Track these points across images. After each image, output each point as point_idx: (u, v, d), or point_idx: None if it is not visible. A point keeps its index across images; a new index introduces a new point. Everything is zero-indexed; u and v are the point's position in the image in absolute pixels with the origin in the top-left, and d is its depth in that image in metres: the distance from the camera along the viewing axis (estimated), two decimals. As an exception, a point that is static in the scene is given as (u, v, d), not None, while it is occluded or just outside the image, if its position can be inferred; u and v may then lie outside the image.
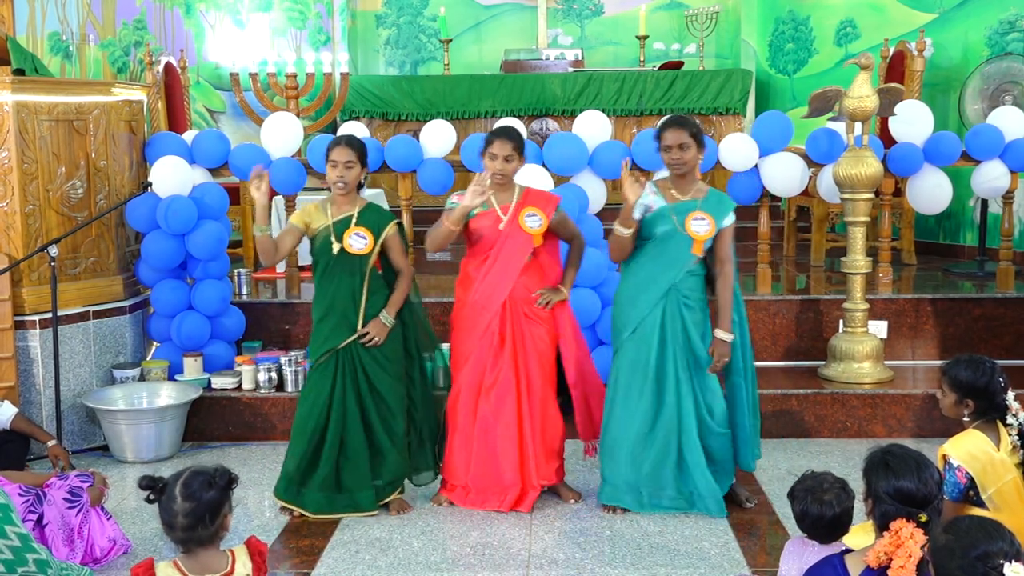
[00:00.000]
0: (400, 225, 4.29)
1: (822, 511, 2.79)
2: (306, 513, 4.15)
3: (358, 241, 4.12)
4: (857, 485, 2.67)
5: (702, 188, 4.17)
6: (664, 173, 4.31)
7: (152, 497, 2.65)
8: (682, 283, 4.11)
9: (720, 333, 4.12)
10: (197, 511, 2.58)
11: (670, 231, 4.08)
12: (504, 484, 4.19)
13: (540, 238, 4.20)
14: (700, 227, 4.06)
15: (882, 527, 2.39)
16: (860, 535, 2.91)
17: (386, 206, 7.77)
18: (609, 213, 6.53)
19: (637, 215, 4.11)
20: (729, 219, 4.14)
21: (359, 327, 4.15)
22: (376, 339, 4.15)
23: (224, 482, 2.65)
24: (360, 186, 4.25)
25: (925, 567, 2.26)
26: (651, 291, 4.09)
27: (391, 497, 4.23)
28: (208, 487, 2.61)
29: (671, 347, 4.09)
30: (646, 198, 4.13)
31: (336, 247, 4.13)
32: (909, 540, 2.29)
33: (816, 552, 2.79)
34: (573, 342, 4.30)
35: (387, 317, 4.18)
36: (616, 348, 4.22)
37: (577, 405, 4.37)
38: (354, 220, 4.16)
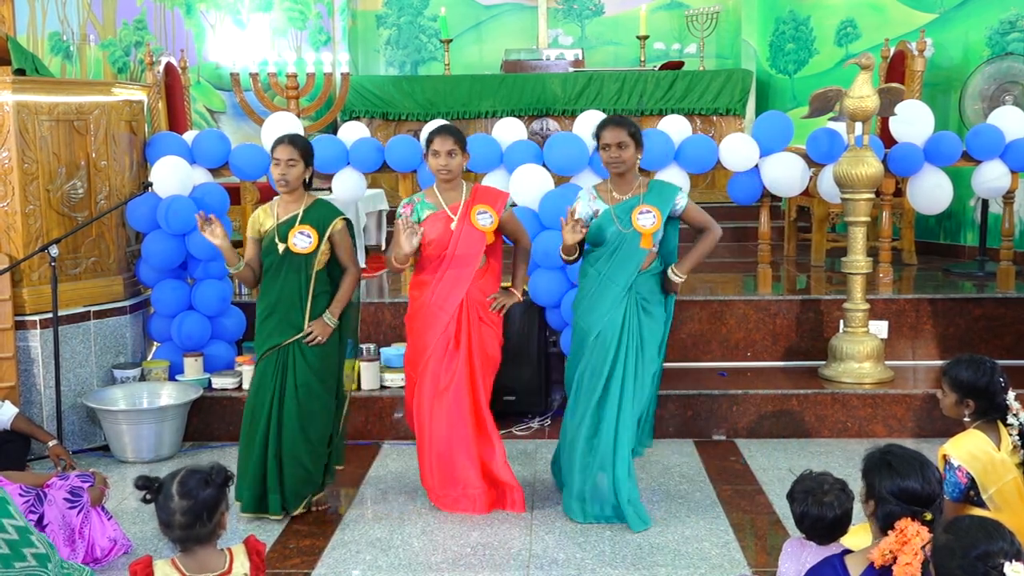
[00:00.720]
0: (348, 222, 4.24)
1: (822, 512, 2.79)
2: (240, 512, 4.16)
3: (302, 240, 4.09)
4: (857, 486, 2.67)
5: (643, 183, 4.17)
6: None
7: (148, 497, 2.65)
8: (640, 284, 4.09)
9: (672, 273, 4.12)
10: (194, 509, 2.59)
11: (616, 232, 4.06)
12: (467, 486, 4.18)
13: (492, 235, 4.19)
14: (646, 220, 4.04)
15: (885, 527, 2.39)
16: (859, 535, 2.91)
17: (385, 206, 7.80)
18: (609, 213, 6.55)
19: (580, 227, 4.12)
20: (681, 200, 4.14)
21: (304, 326, 4.11)
22: (319, 338, 4.12)
23: (221, 480, 2.65)
24: (307, 185, 4.23)
25: (926, 567, 2.26)
26: (610, 292, 4.06)
27: (299, 510, 4.19)
28: (205, 485, 2.61)
29: (624, 352, 4.05)
30: (587, 206, 4.14)
31: (281, 247, 4.10)
32: (915, 538, 2.29)
33: (814, 552, 2.79)
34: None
35: (330, 318, 4.15)
36: (576, 353, 4.18)
37: None
38: (299, 219, 4.13)
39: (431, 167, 4.16)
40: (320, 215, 4.17)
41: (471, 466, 4.17)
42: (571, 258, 4.18)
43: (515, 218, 4.35)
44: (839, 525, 2.81)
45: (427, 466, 4.24)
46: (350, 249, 4.24)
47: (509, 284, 4.32)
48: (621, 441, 4.03)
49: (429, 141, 4.16)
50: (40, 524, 3.57)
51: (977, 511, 3.09)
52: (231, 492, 2.76)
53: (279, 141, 4.14)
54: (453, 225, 4.13)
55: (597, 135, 4.11)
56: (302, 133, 5.67)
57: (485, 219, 4.14)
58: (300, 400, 4.11)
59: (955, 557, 2.07)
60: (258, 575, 2.72)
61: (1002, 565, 2.01)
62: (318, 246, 4.11)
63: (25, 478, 3.75)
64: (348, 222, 4.25)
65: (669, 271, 4.14)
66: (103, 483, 3.84)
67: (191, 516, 2.59)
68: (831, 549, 2.73)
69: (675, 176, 5.42)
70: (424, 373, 4.18)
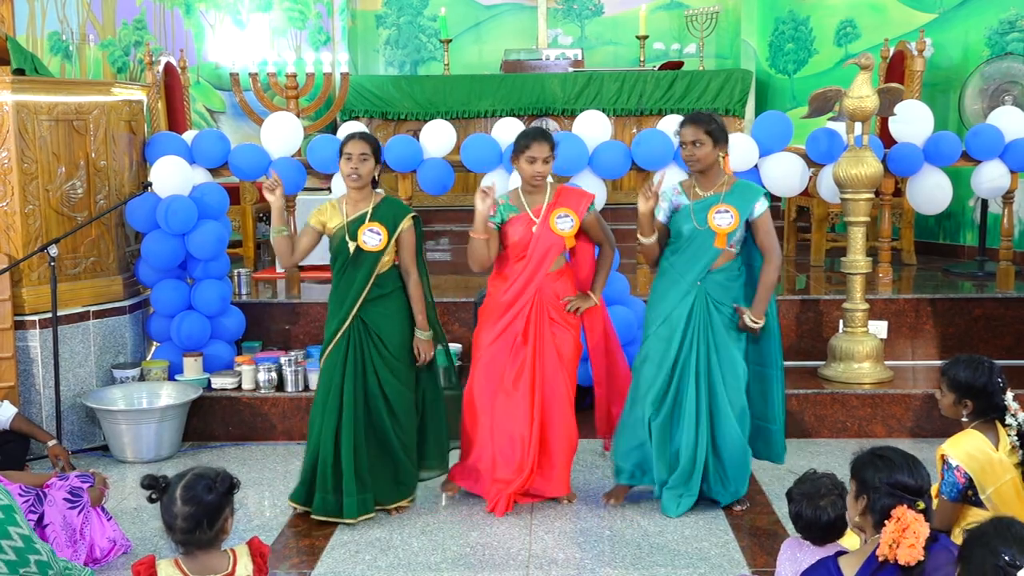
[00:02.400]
0: (416, 219, 4.22)
1: (817, 515, 2.80)
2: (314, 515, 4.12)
3: (372, 237, 4.09)
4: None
5: (728, 182, 4.16)
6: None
7: (154, 496, 2.65)
8: (711, 283, 4.09)
9: (747, 318, 4.09)
10: (196, 515, 2.58)
11: (693, 229, 4.10)
12: (507, 478, 4.18)
13: (573, 239, 4.19)
14: (722, 220, 4.05)
15: (880, 520, 2.40)
16: (855, 536, 2.90)
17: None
18: (609, 213, 6.54)
19: (662, 217, 4.18)
20: (760, 205, 4.10)
21: (351, 313, 4.10)
22: (426, 356, 4.19)
23: (225, 487, 2.64)
24: (375, 182, 4.24)
25: (928, 551, 2.30)
26: (679, 287, 4.11)
27: (393, 505, 4.21)
28: (209, 491, 2.60)
29: (694, 345, 4.09)
30: (670, 199, 4.17)
31: (352, 245, 4.11)
32: (914, 523, 2.31)
33: (811, 553, 2.80)
34: (603, 341, 4.35)
35: (423, 333, 4.19)
36: (643, 341, 4.23)
37: (599, 403, 4.43)
38: (368, 216, 4.13)
39: (525, 174, 4.14)
40: (390, 212, 4.16)
41: (516, 461, 4.16)
42: (648, 241, 4.14)
43: (598, 220, 4.30)
44: (834, 528, 2.81)
45: (475, 453, 4.24)
46: (414, 250, 4.22)
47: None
48: (703, 436, 4.07)
49: (526, 147, 4.12)
50: (40, 524, 3.58)
51: (975, 511, 3.10)
52: (236, 493, 2.74)
53: (350, 136, 4.15)
54: (535, 228, 4.15)
55: (677, 132, 4.15)
56: (301, 133, 5.69)
57: (564, 223, 4.14)
58: (388, 397, 4.12)
59: (986, 546, 2.08)
60: None
61: (1021, 567, 2.02)
62: (387, 244, 4.11)
63: (25, 478, 3.76)
64: (416, 220, 4.23)
65: (746, 319, 4.09)
66: (103, 483, 3.84)
67: (193, 522, 2.58)
68: (828, 550, 2.73)
69: (675, 176, 5.42)
70: (479, 363, 4.19)
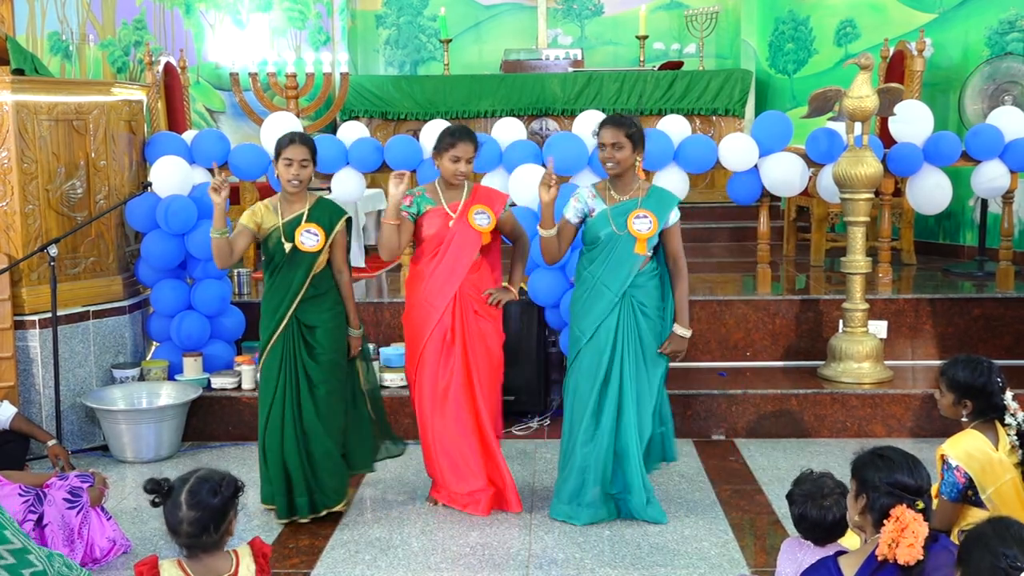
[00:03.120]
0: (350, 219, 4.27)
1: (821, 515, 2.79)
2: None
3: (309, 238, 4.08)
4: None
5: (643, 187, 4.12)
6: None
7: (157, 501, 2.64)
8: (636, 288, 4.05)
9: (679, 329, 4.09)
10: (202, 519, 2.57)
11: (611, 233, 4.03)
12: (473, 488, 4.19)
13: (488, 236, 4.21)
14: (642, 225, 3.99)
15: (880, 519, 2.40)
16: (855, 536, 2.90)
17: (384, 206, 7.79)
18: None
19: (573, 218, 4.13)
20: (674, 215, 4.09)
21: (288, 313, 4.10)
22: (355, 351, 4.26)
23: (230, 492, 2.64)
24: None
25: (927, 551, 2.31)
26: (604, 297, 4.04)
27: (340, 507, 4.21)
28: (214, 495, 2.59)
29: (622, 354, 4.03)
30: (584, 202, 4.12)
31: (287, 246, 4.10)
32: (913, 523, 2.31)
33: (811, 552, 2.80)
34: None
35: (354, 331, 4.26)
36: (572, 357, 4.17)
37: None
38: (304, 217, 4.13)
39: (447, 171, 4.14)
40: (326, 213, 4.17)
41: (476, 470, 4.17)
42: (548, 233, 4.10)
43: (513, 218, 4.36)
44: (837, 528, 2.81)
45: (435, 466, 4.25)
46: (345, 249, 4.26)
47: (506, 282, 4.33)
48: (627, 448, 4.02)
49: (451, 145, 4.11)
50: (39, 524, 3.57)
51: (975, 511, 3.10)
52: (242, 497, 2.74)
53: (290, 140, 4.12)
54: (451, 223, 4.14)
55: (596, 133, 4.10)
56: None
57: (483, 219, 4.15)
58: (317, 399, 4.11)
59: (986, 546, 2.08)
60: None
61: (1022, 568, 2.02)
62: (324, 245, 4.12)
63: (24, 478, 3.75)
64: (350, 220, 4.26)
65: (676, 329, 4.09)
66: (103, 483, 3.84)
67: (199, 526, 2.58)
68: (828, 550, 2.73)
69: (674, 176, 5.43)
70: (423, 370, 4.18)
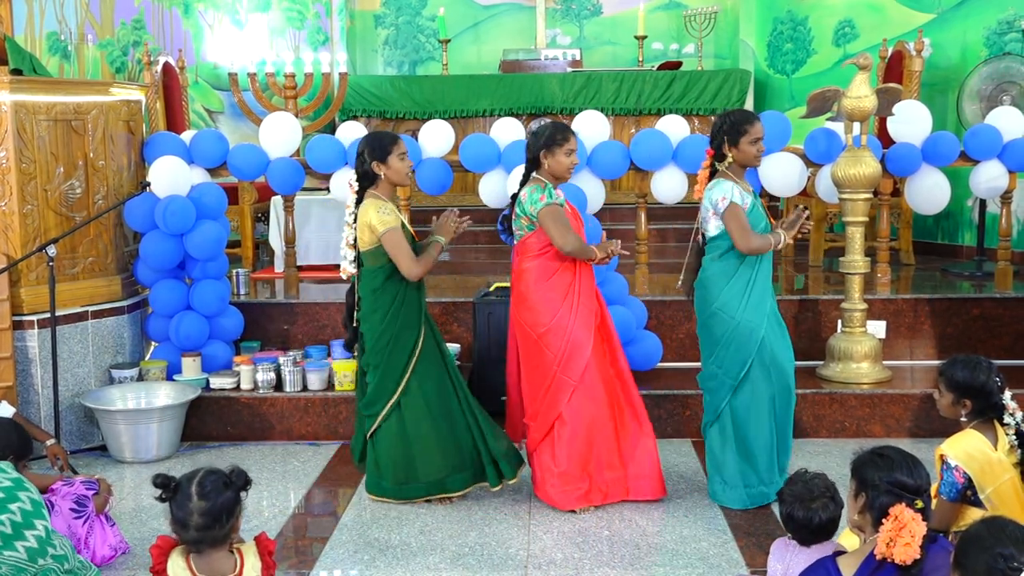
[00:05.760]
0: None
1: (808, 517, 2.80)
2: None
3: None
4: (846, 488, 2.67)
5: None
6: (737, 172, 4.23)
7: (165, 496, 2.63)
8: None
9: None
10: (213, 511, 2.57)
11: (767, 226, 4.20)
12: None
13: None
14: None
15: (879, 518, 2.41)
16: (853, 536, 2.91)
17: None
18: (608, 213, 6.55)
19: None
20: None
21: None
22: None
23: (241, 483, 2.64)
24: None
25: (924, 550, 2.32)
26: (769, 287, 4.22)
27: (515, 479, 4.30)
28: (224, 487, 2.60)
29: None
30: (735, 195, 4.10)
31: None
32: (911, 522, 2.31)
33: (799, 552, 2.81)
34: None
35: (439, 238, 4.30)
36: (742, 348, 4.14)
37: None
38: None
39: (562, 166, 4.18)
40: None
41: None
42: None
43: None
44: (823, 531, 2.82)
45: (597, 461, 4.21)
46: None
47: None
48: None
49: (564, 140, 4.16)
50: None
51: (974, 511, 3.10)
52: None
53: (395, 136, 4.21)
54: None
55: (744, 128, 4.10)
56: (300, 133, 5.69)
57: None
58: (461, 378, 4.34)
59: (982, 547, 2.08)
60: (269, 574, 2.72)
61: (1021, 567, 2.02)
62: None
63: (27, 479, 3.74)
64: None
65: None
66: (108, 491, 3.81)
67: (209, 518, 2.57)
68: (815, 550, 2.74)
69: (673, 176, 5.43)
70: (591, 366, 4.18)
